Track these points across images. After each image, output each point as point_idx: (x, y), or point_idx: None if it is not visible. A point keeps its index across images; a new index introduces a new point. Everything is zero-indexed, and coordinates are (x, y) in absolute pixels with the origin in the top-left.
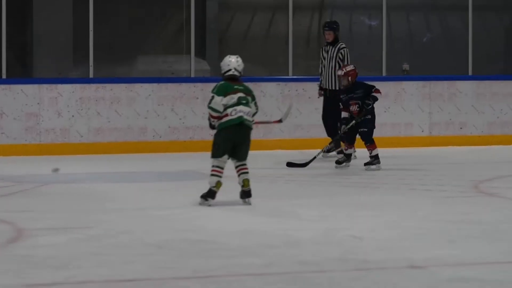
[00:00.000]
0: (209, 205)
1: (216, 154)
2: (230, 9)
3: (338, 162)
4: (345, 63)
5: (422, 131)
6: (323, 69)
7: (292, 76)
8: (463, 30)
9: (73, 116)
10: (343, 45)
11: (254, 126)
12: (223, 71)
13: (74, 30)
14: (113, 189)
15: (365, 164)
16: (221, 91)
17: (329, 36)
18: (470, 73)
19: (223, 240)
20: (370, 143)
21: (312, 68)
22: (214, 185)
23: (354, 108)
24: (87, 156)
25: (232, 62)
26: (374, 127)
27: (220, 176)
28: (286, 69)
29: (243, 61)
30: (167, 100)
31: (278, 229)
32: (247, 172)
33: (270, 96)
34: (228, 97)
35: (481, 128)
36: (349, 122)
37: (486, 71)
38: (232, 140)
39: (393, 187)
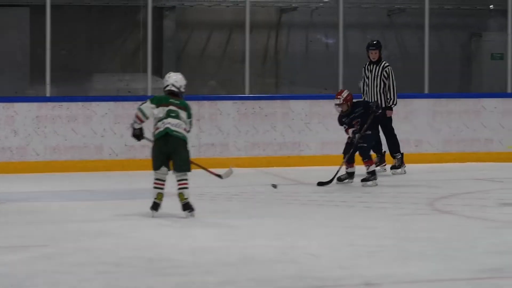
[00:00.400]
0: (153, 217)
1: (154, 167)
2: (187, 27)
3: (339, 179)
4: (390, 81)
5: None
6: (366, 88)
7: (249, 94)
8: (419, 49)
9: (29, 134)
10: (387, 64)
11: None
12: (163, 87)
13: (31, 49)
14: (69, 207)
15: (362, 180)
16: (155, 100)
17: (375, 55)
18: (426, 91)
19: (178, 257)
20: (367, 159)
21: (268, 86)
22: (155, 197)
23: (356, 126)
24: (43, 174)
25: (170, 78)
26: (373, 143)
27: (161, 188)
28: (242, 87)
29: (200, 79)
30: (124, 118)
31: (233, 246)
32: (183, 188)
33: (227, 115)
34: (160, 109)
35: (437, 145)
36: (354, 136)
37: (442, 89)
38: (163, 152)
39: (350, 205)
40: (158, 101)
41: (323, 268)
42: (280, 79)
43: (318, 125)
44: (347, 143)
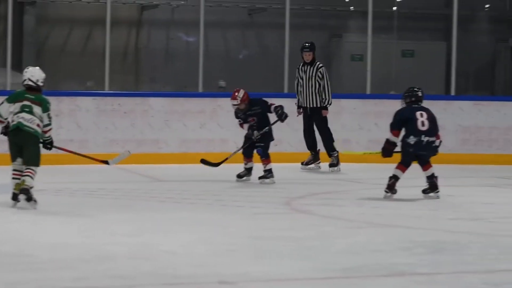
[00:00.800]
0: (14, 206)
1: (11, 158)
2: (47, 22)
3: (239, 176)
4: (324, 81)
5: (237, 147)
6: (300, 88)
7: (109, 91)
8: (280, 48)
9: None
10: (321, 65)
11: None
12: (21, 81)
13: None
14: None
15: (260, 177)
16: (11, 99)
17: (309, 56)
18: (286, 90)
19: (34, 253)
20: (265, 157)
21: (128, 84)
22: (14, 187)
23: (251, 124)
24: None
25: (27, 72)
26: (272, 140)
27: (18, 179)
28: (102, 83)
29: (59, 74)
30: None
31: (90, 242)
32: (27, 176)
33: (86, 111)
34: (16, 105)
35: (295, 145)
36: (253, 132)
37: None
38: (15, 144)
39: (207, 203)
40: (14, 98)
41: (179, 265)
42: (140, 76)
43: (178, 122)
44: (245, 137)
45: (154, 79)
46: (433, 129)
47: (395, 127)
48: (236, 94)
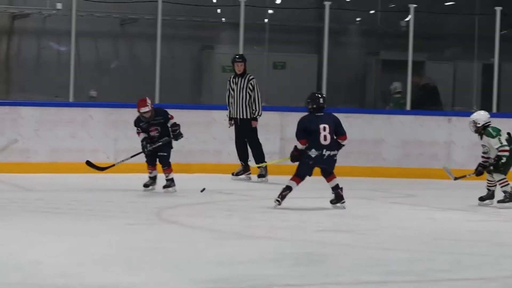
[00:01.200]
0: None
1: None
2: None
3: (145, 185)
4: (255, 93)
5: (108, 158)
6: (231, 99)
7: None
8: (151, 59)
9: None
10: (252, 76)
11: None
12: None
13: None
14: None
15: (164, 186)
16: None
17: (241, 67)
18: (157, 101)
19: None
20: (167, 166)
21: None
22: None
23: (154, 133)
24: None
25: None
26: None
27: None
28: None
29: None
30: None
31: None
32: None
33: None
34: None
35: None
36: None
37: (173, 100)
38: None
39: (77, 213)
40: None
41: (47, 275)
42: (11, 85)
43: (48, 132)
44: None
45: (25, 88)
46: (334, 143)
47: (301, 136)
48: (146, 101)
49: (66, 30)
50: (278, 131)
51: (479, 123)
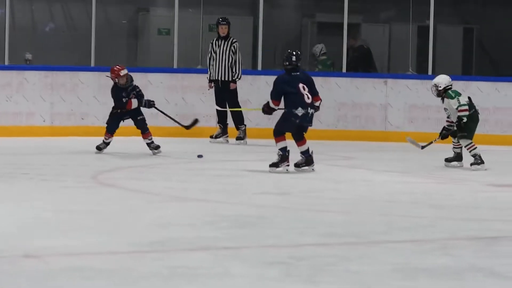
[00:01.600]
0: None
1: None
2: None
3: (98, 148)
4: (237, 56)
5: (44, 121)
6: (213, 62)
7: None
8: (87, 21)
9: None
10: (235, 40)
11: None
12: None
13: None
14: None
15: (153, 148)
16: None
17: (225, 30)
18: (92, 64)
19: None
20: (146, 131)
21: None
22: None
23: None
24: None
25: None
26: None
27: None
28: None
29: None
30: None
31: None
32: None
33: None
34: None
35: (103, 119)
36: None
37: (109, 63)
38: None
39: (11, 176)
40: None
41: None
42: None
43: None
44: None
45: None
46: (313, 102)
47: (276, 97)
48: (121, 67)
49: None
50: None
51: (440, 86)
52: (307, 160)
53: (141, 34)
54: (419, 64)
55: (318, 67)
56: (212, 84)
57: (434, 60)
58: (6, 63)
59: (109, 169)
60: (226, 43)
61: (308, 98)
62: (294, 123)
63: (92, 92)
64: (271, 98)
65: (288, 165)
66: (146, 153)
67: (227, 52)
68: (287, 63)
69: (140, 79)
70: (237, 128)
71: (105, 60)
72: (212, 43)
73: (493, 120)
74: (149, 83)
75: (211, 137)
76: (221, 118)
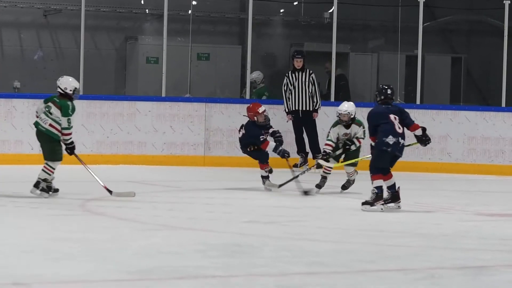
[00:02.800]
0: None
1: None
2: None
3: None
4: (315, 86)
5: (32, 149)
6: (289, 95)
7: None
8: (75, 49)
9: None
10: (312, 71)
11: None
12: None
13: None
14: None
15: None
16: (45, 100)
17: (300, 63)
18: (81, 92)
19: None
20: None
21: None
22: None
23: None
24: None
25: (59, 81)
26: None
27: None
28: None
29: None
30: None
31: None
32: (42, 170)
33: None
34: (43, 105)
35: (91, 147)
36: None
37: (98, 91)
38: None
39: (1, 204)
40: (46, 100)
41: None
42: None
43: None
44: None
45: None
46: (403, 132)
47: (372, 133)
48: (257, 105)
49: None
50: (202, 122)
51: (352, 115)
52: (393, 196)
53: (130, 62)
54: (407, 94)
55: (253, 95)
56: (291, 116)
57: (422, 90)
58: None
59: (97, 197)
60: (303, 74)
61: (399, 128)
62: (387, 153)
63: (80, 120)
64: (370, 135)
65: (383, 204)
66: (134, 181)
67: (307, 83)
68: (383, 96)
69: (128, 107)
70: (314, 157)
71: (94, 88)
72: (288, 76)
73: (480, 149)
74: (137, 111)
75: (295, 166)
76: (302, 147)
